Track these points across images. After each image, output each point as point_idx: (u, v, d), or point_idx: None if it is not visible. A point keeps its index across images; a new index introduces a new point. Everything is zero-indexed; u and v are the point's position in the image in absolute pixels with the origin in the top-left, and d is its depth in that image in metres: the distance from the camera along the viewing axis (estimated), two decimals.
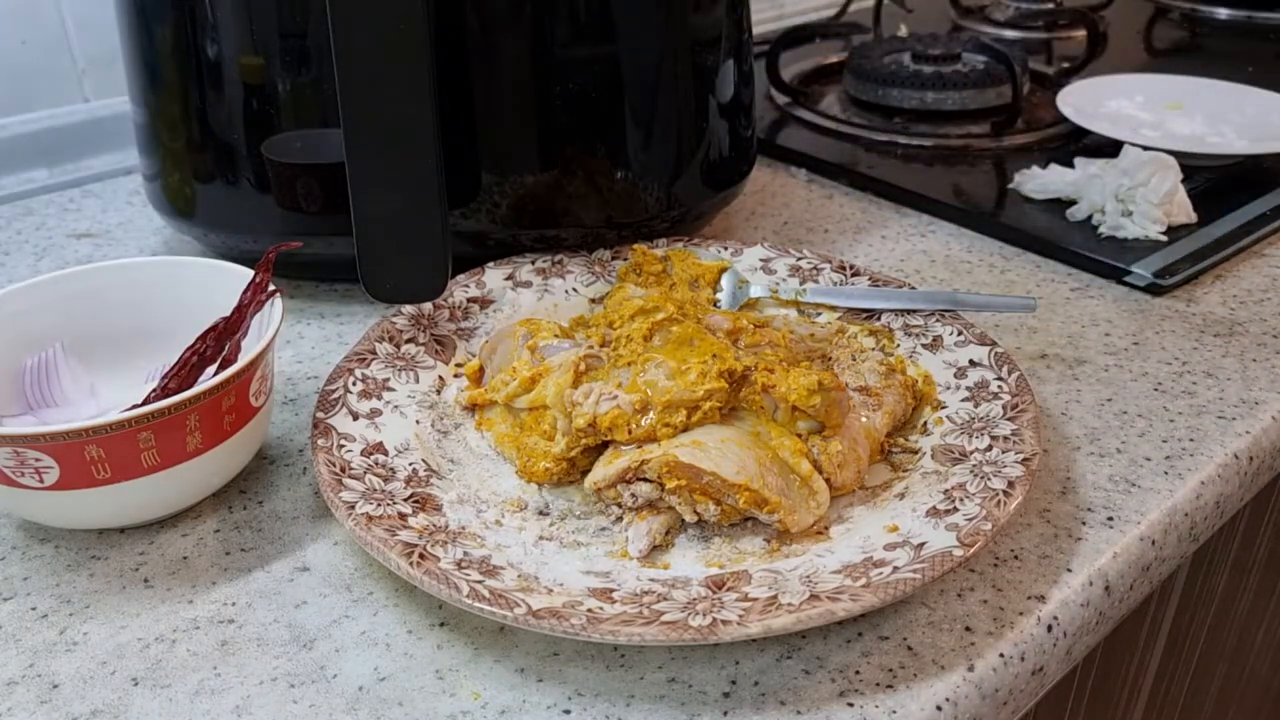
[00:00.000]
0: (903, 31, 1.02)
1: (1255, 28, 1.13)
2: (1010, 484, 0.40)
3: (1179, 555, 0.46)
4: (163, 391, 0.43)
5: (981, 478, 0.41)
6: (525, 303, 0.56)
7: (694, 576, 0.39)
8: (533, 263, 0.58)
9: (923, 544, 0.38)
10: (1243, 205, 0.69)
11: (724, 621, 0.35)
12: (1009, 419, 0.44)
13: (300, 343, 0.57)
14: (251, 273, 0.46)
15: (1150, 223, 0.65)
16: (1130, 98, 0.84)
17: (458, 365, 0.52)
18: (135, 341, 0.49)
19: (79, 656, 0.38)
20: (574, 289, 0.57)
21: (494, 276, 0.57)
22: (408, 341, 0.52)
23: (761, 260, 0.59)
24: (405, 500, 0.42)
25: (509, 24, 0.54)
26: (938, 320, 0.52)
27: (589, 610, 0.36)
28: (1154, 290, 0.61)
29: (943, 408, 0.47)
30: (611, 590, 0.38)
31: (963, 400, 0.47)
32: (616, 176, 0.59)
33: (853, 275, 0.57)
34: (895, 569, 0.37)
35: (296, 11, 0.53)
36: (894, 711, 0.35)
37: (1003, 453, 0.42)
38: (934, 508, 0.40)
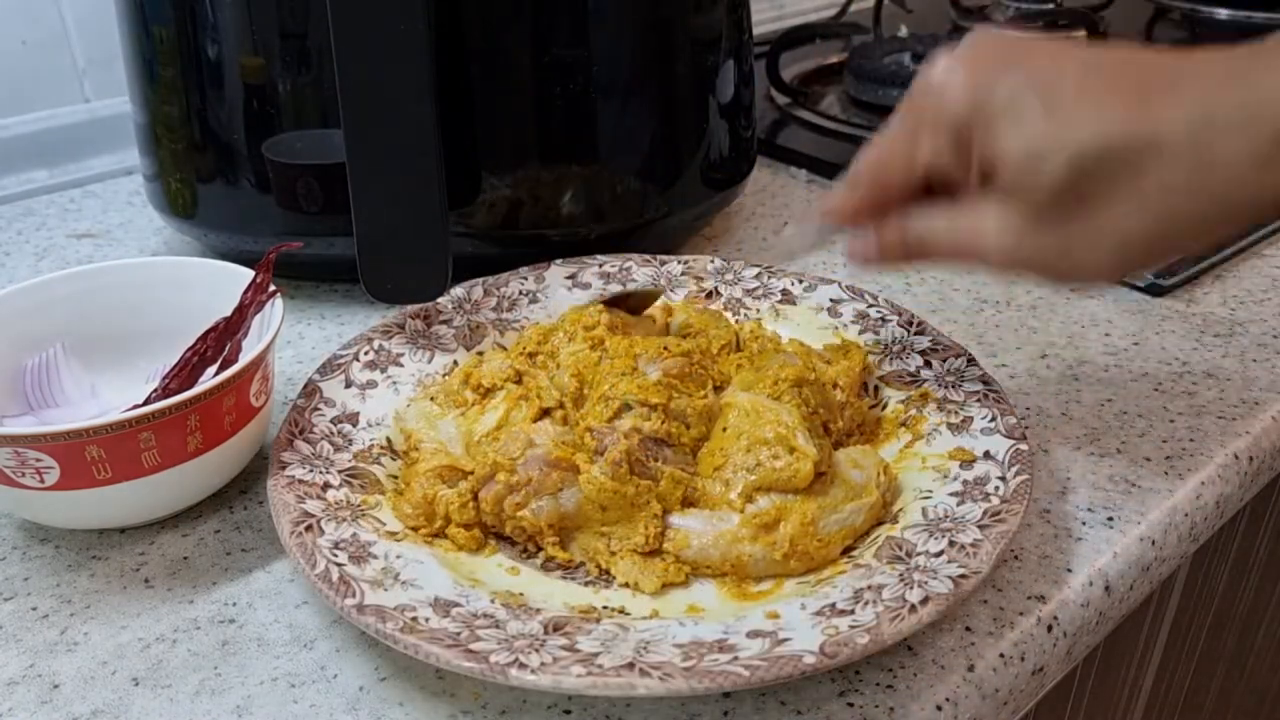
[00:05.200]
0: (903, 32, 1.02)
1: (1255, 28, 1.13)
2: (925, 599, 0.35)
3: (1179, 555, 0.46)
4: (163, 392, 0.43)
5: (906, 584, 0.36)
6: (574, 304, 0.54)
7: (551, 611, 0.37)
8: (600, 265, 0.57)
9: (784, 640, 0.34)
10: None
11: (522, 665, 0.33)
12: (981, 525, 0.39)
13: (301, 343, 0.57)
14: (252, 273, 0.46)
15: None
16: None
17: (479, 354, 0.52)
18: (136, 342, 0.49)
19: (80, 656, 0.38)
20: None
21: (556, 274, 0.56)
22: (442, 322, 0.52)
23: (832, 300, 0.54)
24: (341, 472, 0.42)
25: (509, 24, 0.54)
26: (979, 400, 0.46)
27: (413, 618, 0.35)
28: (1154, 290, 0.61)
29: (927, 498, 0.42)
30: (456, 605, 0.36)
31: (950, 494, 0.41)
32: (616, 177, 0.59)
33: (916, 332, 0.51)
34: (736, 658, 0.33)
35: (297, 11, 0.53)
36: (894, 711, 0.35)
37: (948, 562, 0.37)
38: (832, 605, 0.36)
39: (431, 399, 0.48)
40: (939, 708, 0.36)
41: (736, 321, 0.54)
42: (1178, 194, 0.35)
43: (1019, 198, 0.37)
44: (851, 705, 0.35)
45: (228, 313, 0.45)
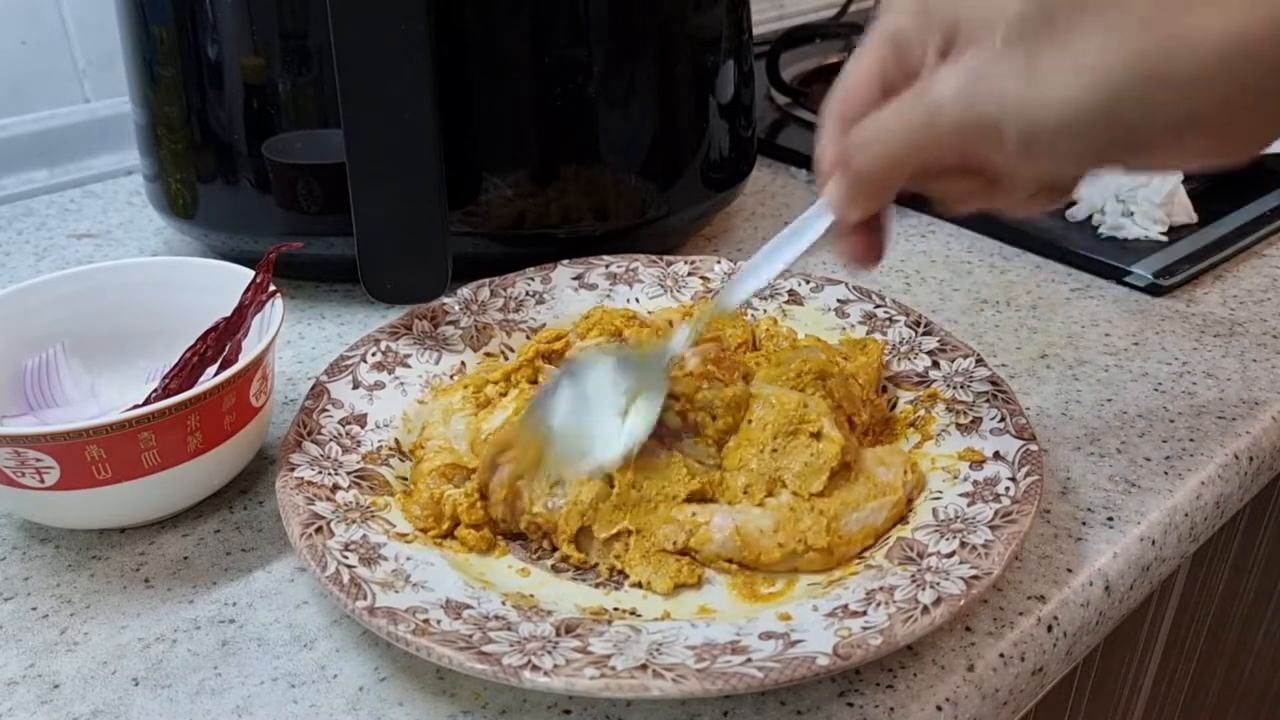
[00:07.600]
0: None
1: None
2: (938, 600, 0.35)
3: (1179, 555, 0.46)
4: (163, 392, 0.43)
5: (919, 586, 0.36)
6: (582, 306, 0.55)
7: (563, 613, 0.37)
8: (606, 266, 0.57)
9: (796, 642, 0.34)
10: (1243, 205, 0.69)
11: (535, 667, 0.33)
12: (993, 526, 0.38)
13: (300, 343, 0.57)
14: (252, 273, 0.46)
15: (1151, 223, 0.65)
16: None
17: (486, 354, 0.52)
18: (136, 342, 0.49)
19: (80, 656, 0.38)
20: (637, 299, 0.56)
21: (563, 274, 0.56)
22: (449, 323, 0.52)
23: (839, 301, 0.54)
24: (350, 474, 0.42)
25: (509, 24, 0.54)
26: (988, 401, 0.46)
27: (424, 621, 0.35)
28: (1154, 290, 0.61)
29: (937, 498, 0.42)
30: (467, 607, 0.36)
31: (961, 495, 0.41)
32: (616, 177, 0.59)
33: (924, 333, 0.51)
34: (749, 660, 0.33)
35: (297, 11, 0.53)
36: (894, 711, 0.35)
37: (960, 563, 0.37)
38: (845, 606, 0.36)
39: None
40: (939, 708, 0.36)
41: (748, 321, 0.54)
42: (1152, 28, 0.30)
43: (979, 39, 0.33)
44: (851, 705, 0.35)
45: (228, 313, 0.45)
